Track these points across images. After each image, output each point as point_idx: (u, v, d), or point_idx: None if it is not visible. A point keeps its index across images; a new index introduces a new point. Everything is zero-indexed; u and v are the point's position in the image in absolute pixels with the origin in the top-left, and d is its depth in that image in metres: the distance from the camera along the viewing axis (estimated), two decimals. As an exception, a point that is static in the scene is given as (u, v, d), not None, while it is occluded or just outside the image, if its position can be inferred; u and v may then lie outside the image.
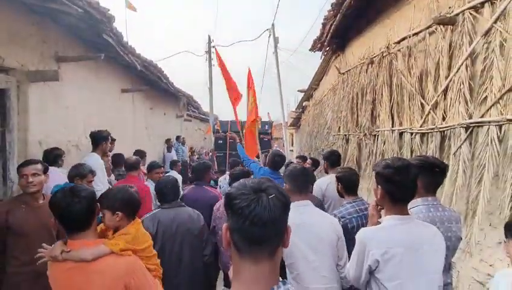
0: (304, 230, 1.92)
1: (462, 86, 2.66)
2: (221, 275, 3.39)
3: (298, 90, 10.68)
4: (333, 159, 3.52)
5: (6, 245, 2.21)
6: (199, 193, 3.29)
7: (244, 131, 7.39)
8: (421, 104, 3.31)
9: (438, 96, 3.00)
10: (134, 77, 6.72)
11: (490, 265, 2.44)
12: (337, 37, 5.97)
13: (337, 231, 2.05)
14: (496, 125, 2.29)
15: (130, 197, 1.85)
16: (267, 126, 13.16)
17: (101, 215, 1.83)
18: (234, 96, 7.62)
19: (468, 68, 2.64)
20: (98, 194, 3.44)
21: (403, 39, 3.66)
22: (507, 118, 2.19)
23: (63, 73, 3.93)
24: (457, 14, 2.79)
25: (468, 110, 2.62)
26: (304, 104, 11.16)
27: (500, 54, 2.33)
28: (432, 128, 3.04)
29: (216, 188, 3.64)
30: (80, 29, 3.98)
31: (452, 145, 2.75)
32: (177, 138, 10.70)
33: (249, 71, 7.30)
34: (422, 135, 3.27)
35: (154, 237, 2.36)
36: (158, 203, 2.76)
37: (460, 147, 2.63)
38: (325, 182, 3.39)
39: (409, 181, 1.49)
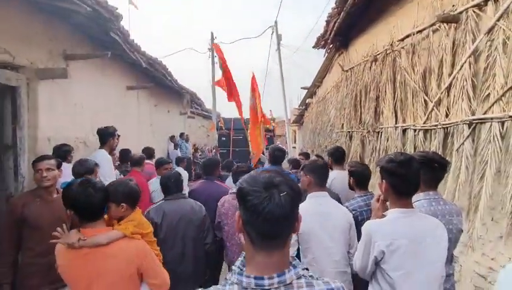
0: (322, 219, 2.09)
1: (465, 83, 2.70)
2: (225, 269, 3.46)
3: (301, 88, 10.71)
4: (337, 156, 3.56)
5: (22, 237, 2.29)
6: (210, 188, 3.37)
7: (248, 130, 7.45)
8: (425, 101, 3.35)
9: (441, 93, 3.04)
10: (139, 74, 6.77)
11: (492, 259, 2.49)
12: (341, 34, 5.99)
13: (350, 221, 2.22)
14: (498, 122, 2.33)
15: (131, 189, 2.01)
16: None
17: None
18: (231, 93, 7.63)
19: (472, 66, 2.68)
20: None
21: (407, 37, 3.69)
22: (509, 115, 2.23)
23: (71, 70, 3.98)
24: (461, 12, 2.82)
25: (471, 107, 2.66)
26: (307, 101, 11.19)
27: (503, 51, 2.37)
28: (435, 125, 3.08)
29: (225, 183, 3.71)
30: (87, 28, 4.04)
31: (455, 141, 2.79)
32: (181, 134, 10.78)
33: (253, 76, 7.27)
34: (426, 131, 3.31)
35: (159, 227, 2.54)
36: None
37: (463, 143, 2.68)
38: (330, 178, 3.43)
39: (411, 174, 1.54)
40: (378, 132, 4.41)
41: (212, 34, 15.91)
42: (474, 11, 2.68)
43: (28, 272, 2.24)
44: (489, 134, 2.40)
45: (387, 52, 4.13)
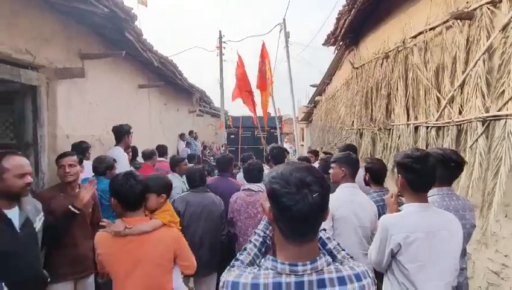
0: (354, 207, 2.25)
1: (479, 80, 2.72)
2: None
3: (310, 85, 10.72)
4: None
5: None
6: (224, 184, 3.46)
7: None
8: (437, 98, 3.37)
9: (455, 90, 3.05)
10: (150, 73, 6.87)
11: (505, 256, 2.51)
12: (351, 31, 5.99)
13: (376, 212, 2.40)
14: (513, 119, 2.35)
15: (167, 182, 2.22)
16: (277, 121, 13.27)
17: None
18: (247, 96, 7.82)
19: (486, 63, 2.69)
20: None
21: (419, 34, 3.70)
22: (524, 112, 2.25)
23: (86, 70, 4.08)
24: (475, 9, 2.83)
25: (485, 104, 2.68)
26: (316, 99, 11.18)
27: (518, 48, 2.38)
28: (448, 122, 3.10)
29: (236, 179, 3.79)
30: (101, 27, 4.12)
31: (468, 138, 2.81)
32: (190, 132, 10.89)
33: (263, 44, 7.55)
34: (438, 128, 3.33)
35: (182, 215, 2.77)
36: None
37: (476, 140, 2.70)
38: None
39: (427, 170, 1.58)
40: (390, 130, 4.43)
41: (220, 32, 15.99)
42: (488, 8, 2.69)
43: (56, 262, 2.35)
44: (503, 131, 2.41)
45: (399, 49, 4.14)
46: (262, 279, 0.91)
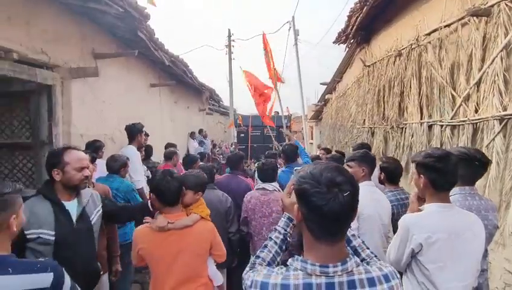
0: (378, 205, 2.28)
1: (496, 78, 2.67)
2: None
3: (321, 83, 10.65)
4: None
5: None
6: (234, 181, 3.49)
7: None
8: (452, 96, 3.32)
9: (471, 88, 3.01)
10: (161, 71, 6.91)
11: (523, 256, 2.47)
12: (363, 29, 5.94)
13: (390, 208, 2.43)
14: (532, 118, 2.30)
15: (204, 180, 2.32)
16: (286, 120, 13.27)
17: None
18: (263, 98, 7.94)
19: (503, 60, 2.64)
20: (137, 184, 3.68)
21: (434, 31, 3.65)
22: (544, 110, 2.20)
23: (99, 69, 4.14)
24: (492, 6, 2.78)
25: (502, 102, 2.63)
26: (326, 97, 11.13)
27: (537, 45, 2.33)
28: (464, 121, 3.06)
29: (248, 177, 3.82)
30: (115, 27, 4.17)
31: (485, 137, 2.77)
32: (200, 131, 10.94)
33: (264, 35, 7.73)
34: (453, 127, 3.29)
35: None
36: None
37: (493, 139, 2.65)
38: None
39: (449, 169, 1.56)
40: (402, 128, 4.39)
41: (229, 30, 16.03)
42: (506, 4, 2.64)
43: None
44: (522, 130, 2.37)
45: (413, 46, 4.09)
46: (292, 280, 0.91)
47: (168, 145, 5.20)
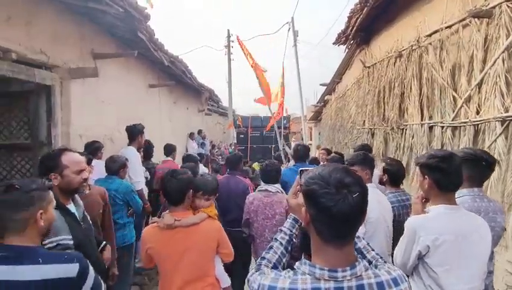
0: (381, 207, 2.27)
1: (498, 79, 2.66)
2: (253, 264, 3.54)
3: (320, 84, 10.66)
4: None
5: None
6: (232, 182, 3.51)
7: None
8: (453, 97, 3.32)
9: (472, 89, 3.00)
10: (160, 72, 6.90)
11: (525, 258, 2.47)
12: (363, 30, 5.94)
13: (391, 209, 2.44)
14: (534, 119, 2.30)
15: (216, 186, 2.34)
16: (285, 121, 13.29)
17: None
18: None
19: (505, 62, 2.64)
20: (137, 185, 3.65)
21: (435, 32, 3.64)
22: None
23: (99, 69, 4.13)
24: (494, 7, 2.78)
25: (504, 103, 2.63)
26: (325, 98, 11.14)
27: (539, 47, 2.33)
28: (465, 122, 3.05)
29: (246, 178, 3.83)
30: (114, 27, 4.16)
31: (486, 139, 2.76)
32: (199, 132, 10.93)
33: (237, 37, 8.25)
34: (454, 128, 3.28)
35: None
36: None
37: (495, 140, 2.65)
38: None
39: (453, 169, 1.56)
40: (403, 129, 4.38)
41: (228, 31, 16.03)
42: (508, 6, 2.63)
43: None
44: (524, 131, 2.37)
45: (413, 48, 4.09)
46: (300, 284, 0.90)
47: (167, 146, 5.18)
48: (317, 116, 14.38)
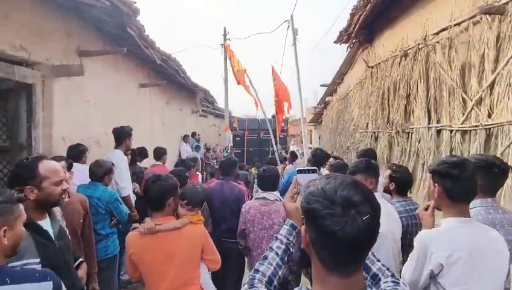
0: (389, 219, 2.16)
1: (511, 80, 2.61)
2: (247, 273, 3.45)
3: (321, 85, 10.63)
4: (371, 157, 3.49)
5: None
6: (226, 188, 3.44)
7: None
8: (463, 99, 3.26)
9: (483, 91, 2.94)
10: (152, 71, 6.83)
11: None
12: (366, 28, 5.90)
13: (399, 219, 2.34)
14: (551, 123, 2.24)
15: (203, 199, 2.38)
16: (283, 123, 13.23)
17: None
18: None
19: (519, 61, 2.58)
20: (123, 191, 3.56)
21: (443, 30, 3.59)
22: None
23: (84, 67, 4.04)
24: (507, 3, 2.72)
25: (518, 106, 2.56)
26: (326, 99, 11.09)
27: (557, 45, 2.27)
28: (476, 126, 2.99)
29: (241, 183, 3.77)
30: (101, 22, 4.08)
31: (499, 144, 2.70)
32: (193, 134, 10.84)
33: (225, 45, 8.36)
34: (464, 132, 3.22)
35: None
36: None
37: (509, 146, 2.58)
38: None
39: (466, 176, 1.49)
40: (408, 133, 4.33)
41: (224, 29, 15.97)
42: (522, 2, 2.58)
43: None
44: (540, 136, 2.30)
45: (420, 46, 4.03)
46: None
47: (157, 150, 5.09)
48: (317, 119, 14.34)
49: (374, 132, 5.59)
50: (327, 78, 10.07)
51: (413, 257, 1.54)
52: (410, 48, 4.29)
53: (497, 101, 2.76)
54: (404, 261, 1.72)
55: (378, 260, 1.12)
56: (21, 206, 1.36)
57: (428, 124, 3.83)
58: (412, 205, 2.46)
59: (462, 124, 3.22)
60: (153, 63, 5.91)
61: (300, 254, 2.09)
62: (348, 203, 0.78)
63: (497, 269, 1.49)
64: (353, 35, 6.21)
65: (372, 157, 3.51)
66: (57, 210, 1.97)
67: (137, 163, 4.72)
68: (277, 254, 1.14)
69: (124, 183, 3.53)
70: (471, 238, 1.48)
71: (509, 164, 2.54)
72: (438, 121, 3.66)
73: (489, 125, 2.82)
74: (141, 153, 4.86)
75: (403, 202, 2.46)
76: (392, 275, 1.06)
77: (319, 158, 4.05)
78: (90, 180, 3.17)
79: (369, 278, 1.08)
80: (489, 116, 2.87)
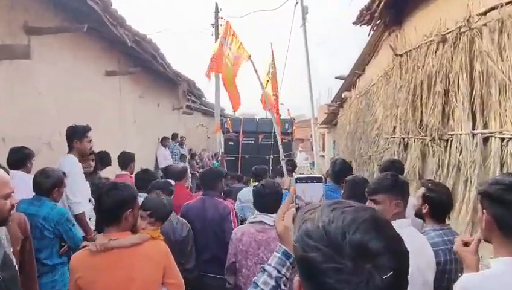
0: (418, 255, 2.09)
1: None
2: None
3: (336, 77, 10.66)
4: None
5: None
6: (209, 205, 3.49)
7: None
8: (518, 98, 3.22)
9: (544, 88, 2.91)
10: (122, 55, 6.86)
11: None
12: (393, 6, 5.93)
13: (433, 255, 2.30)
14: None
15: (170, 212, 2.55)
16: (287, 125, 13.19)
17: None
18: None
19: None
20: (75, 208, 3.51)
21: (492, 9, 3.56)
22: None
23: (34, 49, 4.00)
24: None
25: None
26: (343, 96, 11.13)
27: None
28: (535, 133, 2.95)
29: (227, 200, 3.82)
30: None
31: None
32: (174, 136, 10.82)
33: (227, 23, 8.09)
34: (519, 141, 3.18)
35: None
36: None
37: None
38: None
39: None
40: (447, 140, 4.32)
41: (216, 5, 16.05)
42: None
43: None
44: None
45: (462, 30, 4.03)
46: None
47: (123, 155, 5.02)
48: (331, 120, 14.38)
49: (403, 138, 5.60)
50: (345, 70, 10.09)
51: None
52: (449, 32, 4.29)
53: None
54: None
55: None
56: None
57: (473, 129, 3.81)
58: (451, 235, 2.41)
59: (516, 130, 3.18)
60: (124, 46, 5.93)
61: None
62: (362, 253, 0.68)
63: None
64: (377, 14, 6.23)
65: (399, 171, 3.47)
66: (1, 232, 1.93)
67: (98, 171, 4.65)
68: None
69: (77, 198, 3.47)
70: None
71: None
72: (485, 126, 3.64)
73: (552, 132, 2.78)
74: (102, 159, 4.78)
75: (440, 231, 2.42)
76: None
77: (336, 170, 3.94)
78: (34, 194, 3.10)
79: None
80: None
